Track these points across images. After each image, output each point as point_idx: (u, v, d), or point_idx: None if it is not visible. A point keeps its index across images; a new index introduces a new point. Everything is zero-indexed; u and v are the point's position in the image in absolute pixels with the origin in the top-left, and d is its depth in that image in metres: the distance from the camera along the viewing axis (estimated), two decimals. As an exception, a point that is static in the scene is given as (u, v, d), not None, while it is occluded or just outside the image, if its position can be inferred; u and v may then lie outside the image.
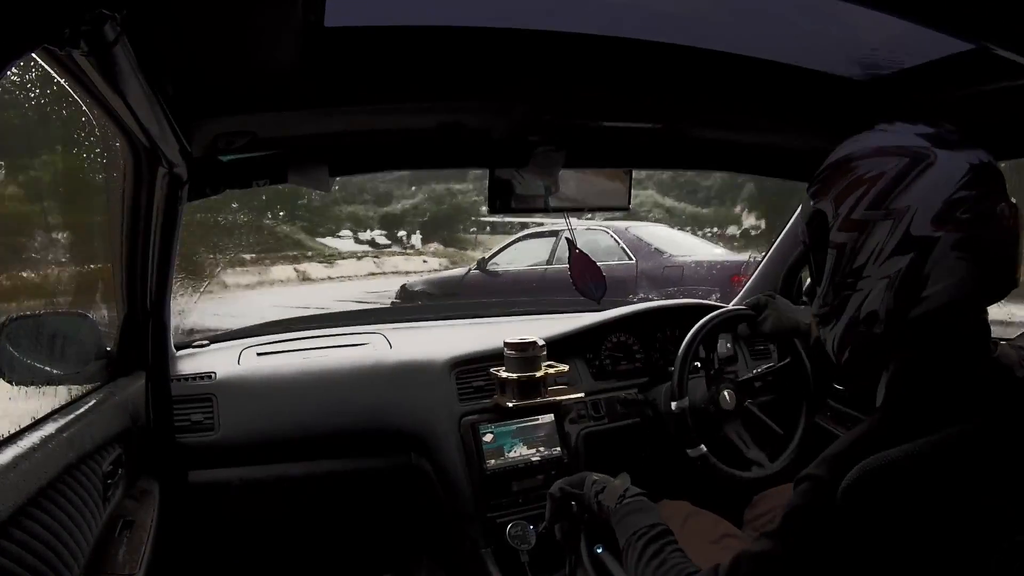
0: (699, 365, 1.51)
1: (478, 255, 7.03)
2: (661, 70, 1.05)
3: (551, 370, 1.49)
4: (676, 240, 5.96)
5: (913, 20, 0.84)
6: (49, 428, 0.78)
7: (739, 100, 1.14)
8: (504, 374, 1.47)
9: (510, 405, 1.45)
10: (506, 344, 1.48)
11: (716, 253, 6.05)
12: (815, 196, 0.73)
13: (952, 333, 0.69)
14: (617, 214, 5.11)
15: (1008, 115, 1.06)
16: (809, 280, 1.68)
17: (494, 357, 1.51)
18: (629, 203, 1.42)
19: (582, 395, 1.54)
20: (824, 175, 0.73)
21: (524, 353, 1.46)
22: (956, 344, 0.69)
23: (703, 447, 1.36)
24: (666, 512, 1.28)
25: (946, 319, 0.67)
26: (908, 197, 0.66)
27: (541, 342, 1.48)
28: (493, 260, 6.11)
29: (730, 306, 1.82)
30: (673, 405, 1.38)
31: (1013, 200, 0.68)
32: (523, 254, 5.99)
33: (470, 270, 6.24)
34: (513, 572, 1.38)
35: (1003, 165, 0.73)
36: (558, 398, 1.50)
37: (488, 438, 1.45)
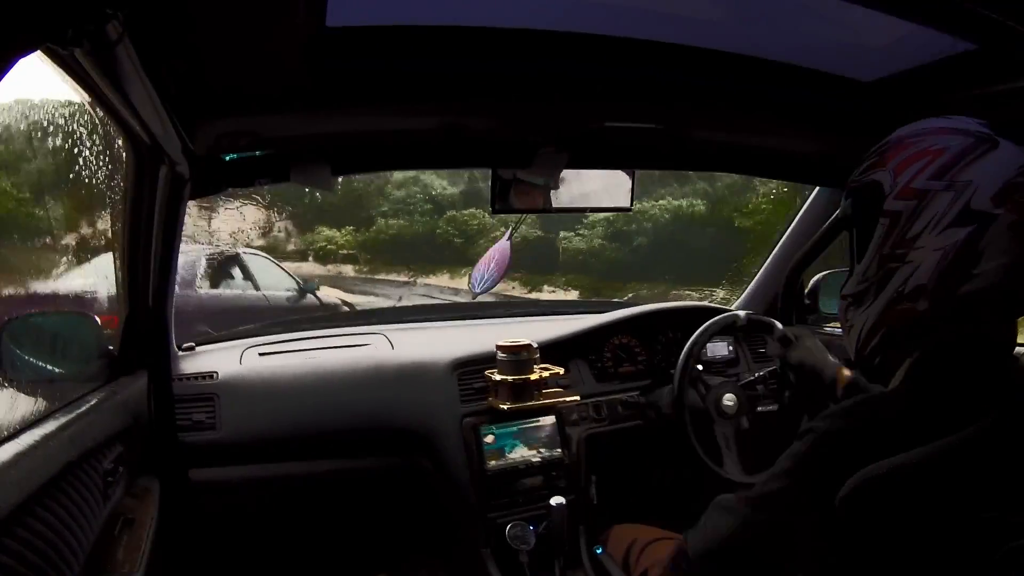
0: (701, 368, 1.50)
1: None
2: (665, 70, 1.05)
3: (545, 373, 1.48)
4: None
5: (920, 21, 0.84)
6: (50, 426, 0.78)
7: (743, 101, 1.14)
8: (497, 376, 1.46)
9: (503, 408, 1.44)
10: (498, 347, 1.47)
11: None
12: (869, 169, 0.73)
13: (985, 327, 0.68)
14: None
15: (1010, 116, 1.05)
16: (811, 283, 1.67)
17: (495, 358, 1.51)
18: (632, 203, 1.41)
19: (577, 398, 1.53)
20: (881, 149, 0.73)
21: (516, 356, 1.45)
22: (985, 342, 0.69)
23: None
24: (626, 536, 1.26)
25: (991, 303, 0.67)
26: (971, 172, 0.66)
27: (534, 344, 1.48)
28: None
29: (733, 308, 1.82)
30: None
31: None
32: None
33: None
34: (512, 572, 1.37)
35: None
36: (552, 401, 1.49)
37: (489, 439, 1.45)
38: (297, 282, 5.48)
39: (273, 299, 5.14)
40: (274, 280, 5.42)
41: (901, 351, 0.73)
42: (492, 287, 1.46)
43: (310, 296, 5.38)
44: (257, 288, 5.16)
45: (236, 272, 5.21)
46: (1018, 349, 0.72)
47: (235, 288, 5.08)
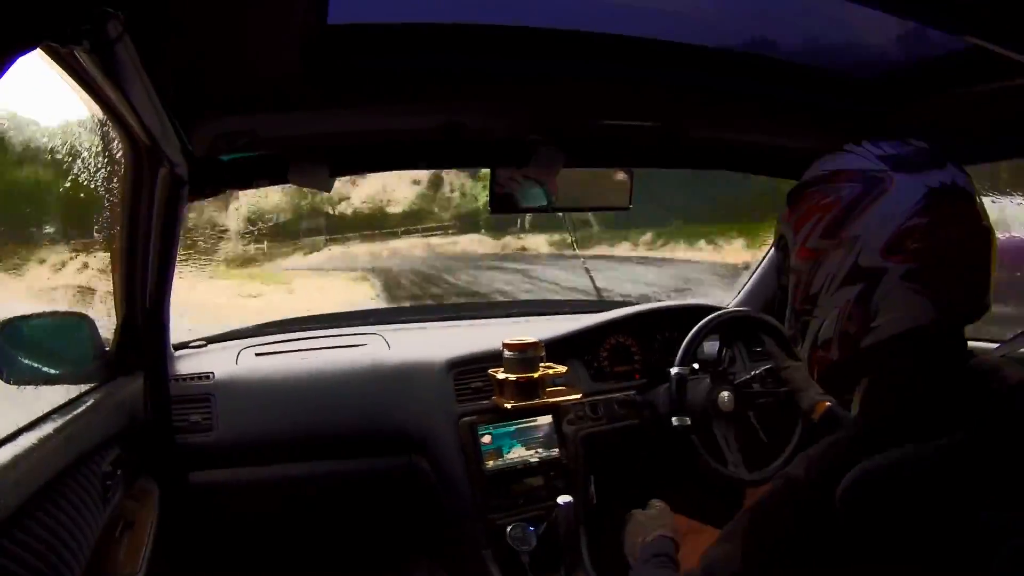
0: (697, 367, 1.51)
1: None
2: (663, 68, 1.05)
3: (549, 371, 1.48)
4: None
5: (912, 19, 0.85)
6: (48, 428, 0.77)
7: (741, 99, 1.14)
8: (502, 375, 1.46)
9: (508, 406, 1.44)
10: (505, 345, 1.47)
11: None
12: (782, 219, 0.74)
13: (918, 354, 0.67)
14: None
15: (1007, 114, 1.06)
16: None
17: (492, 358, 1.51)
18: (630, 202, 1.41)
19: (580, 396, 1.53)
20: (789, 198, 0.73)
21: (523, 354, 1.45)
22: (923, 364, 0.68)
23: (687, 419, 1.40)
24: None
25: (903, 346, 0.66)
26: (858, 226, 0.65)
27: (540, 343, 1.48)
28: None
29: (729, 307, 1.83)
30: (674, 420, 1.40)
31: (985, 223, 0.66)
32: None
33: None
34: (513, 573, 1.37)
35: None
36: (556, 399, 1.49)
37: (486, 439, 1.45)
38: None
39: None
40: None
41: (845, 386, 0.74)
42: None
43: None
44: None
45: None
46: (979, 345, 0.71)
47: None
